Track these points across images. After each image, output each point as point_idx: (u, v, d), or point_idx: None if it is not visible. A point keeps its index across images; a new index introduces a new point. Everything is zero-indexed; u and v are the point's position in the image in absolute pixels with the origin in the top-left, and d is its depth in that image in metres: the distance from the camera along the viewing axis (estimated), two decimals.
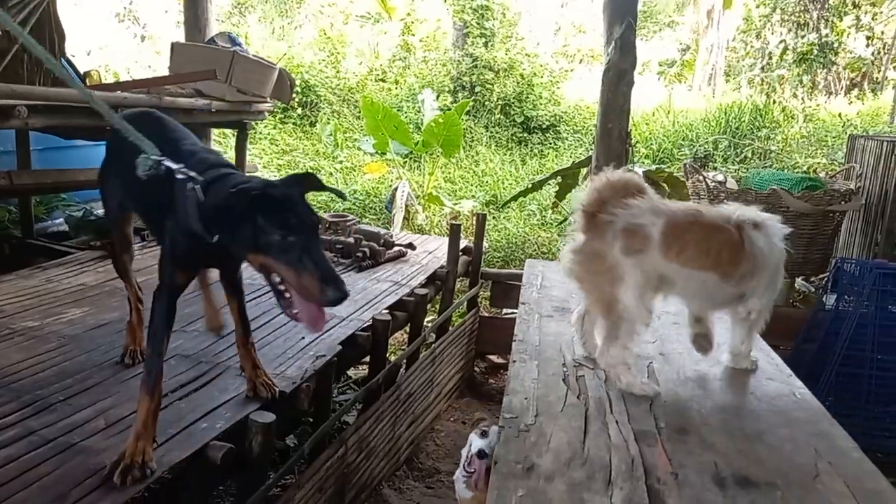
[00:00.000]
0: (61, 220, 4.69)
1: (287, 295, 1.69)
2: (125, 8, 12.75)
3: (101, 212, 4.62)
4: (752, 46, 12.99)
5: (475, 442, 2.15)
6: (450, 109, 8.35)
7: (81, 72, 5.06)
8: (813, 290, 4.80)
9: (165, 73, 4.78)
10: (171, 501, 1.89)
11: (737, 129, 9.85)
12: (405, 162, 8.85)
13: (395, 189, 7.31)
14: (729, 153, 9.28)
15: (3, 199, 4.34)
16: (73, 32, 4.98)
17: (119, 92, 4.03)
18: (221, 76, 4.37)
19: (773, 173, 4.90)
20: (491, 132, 10.62)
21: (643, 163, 8.09)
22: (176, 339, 2.73)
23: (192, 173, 1.79)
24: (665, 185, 5.64)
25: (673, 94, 12.69)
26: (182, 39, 5.48)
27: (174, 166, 1.81)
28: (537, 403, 1.89)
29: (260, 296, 3.35)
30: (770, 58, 12.18)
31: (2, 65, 4.26)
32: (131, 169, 1.88)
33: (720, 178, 4.61)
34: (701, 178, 4.44)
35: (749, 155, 9.07)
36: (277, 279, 1.68)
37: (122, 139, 1.95)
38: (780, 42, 11.85)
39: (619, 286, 1.86)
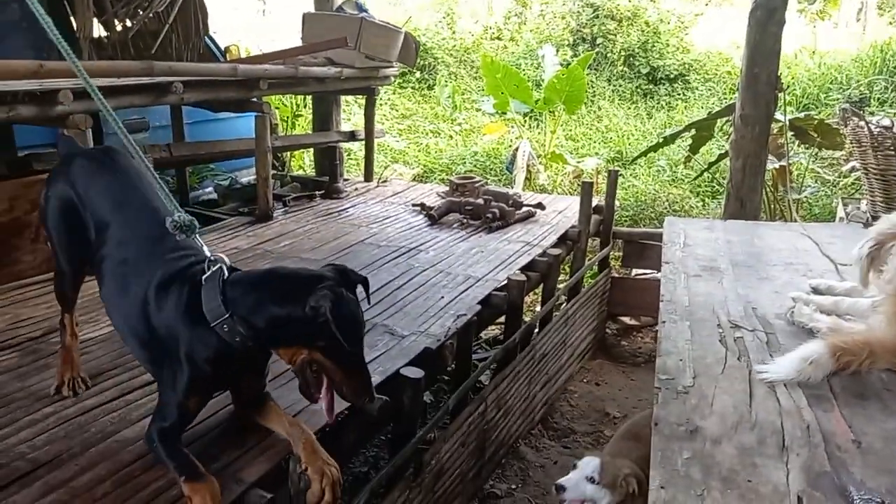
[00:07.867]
0: (211, 188, 5.04)
1: (315, 384, 1.63)
2: None
3: (245, 180, 4.93)
4: None
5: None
6: (570, 64, 8.08)
7: (222, 47, 5.37)
8: None
9: (294, 44, 4.95)
10: (331, 450, 2.00)
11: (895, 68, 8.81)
12: (525, 121, 8.71)
13: (517, 149, 7.21)
14: (887, 96, 8.35)
15: (162, 170, 4.72)
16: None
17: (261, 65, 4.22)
18: (351, 43, 4.46)
19: None
20: (614, 86, 10.17)
21: (785, 110, 7.43)
22: None
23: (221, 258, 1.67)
24: (815, 134, 5.19)
25: (816, 34, 11.54)
26: (311, 9, 5.64)
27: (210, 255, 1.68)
28: (694, 365, 1.82)
29: (398, 256, 3.45)
30: None
31: (155, 45, 4.60)
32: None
33: (886, 122, 4.10)
34: (862, 123, 3.99)
35: None
36: (313, 369, 1.61)
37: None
38: None
39: None
